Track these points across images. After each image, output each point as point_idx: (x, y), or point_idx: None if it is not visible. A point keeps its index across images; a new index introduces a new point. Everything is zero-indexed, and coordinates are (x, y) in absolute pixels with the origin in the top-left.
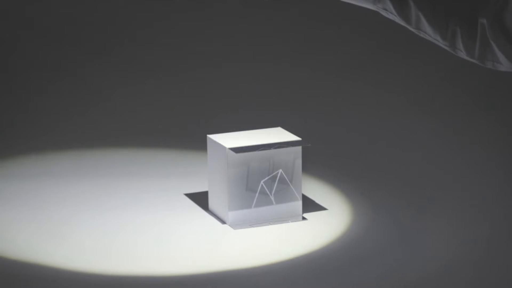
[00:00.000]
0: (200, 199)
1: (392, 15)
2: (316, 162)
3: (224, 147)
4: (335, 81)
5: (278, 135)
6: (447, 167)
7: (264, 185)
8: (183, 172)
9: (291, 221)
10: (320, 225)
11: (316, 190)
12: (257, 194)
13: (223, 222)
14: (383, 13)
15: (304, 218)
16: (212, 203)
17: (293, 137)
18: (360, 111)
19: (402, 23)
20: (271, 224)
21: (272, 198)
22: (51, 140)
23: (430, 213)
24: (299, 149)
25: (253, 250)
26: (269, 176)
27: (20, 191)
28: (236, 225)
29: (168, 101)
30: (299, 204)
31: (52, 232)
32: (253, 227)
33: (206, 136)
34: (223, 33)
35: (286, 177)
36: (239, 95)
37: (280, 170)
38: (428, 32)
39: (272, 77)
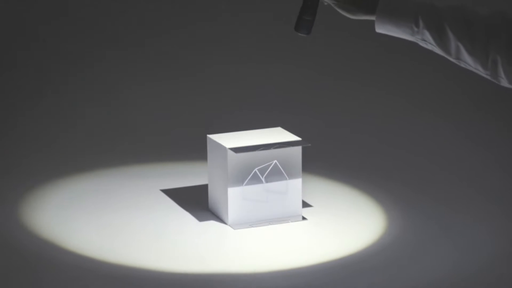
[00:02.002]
0: (200, 199)
1: (431, 46)
2: (316, 162)
3: (224, 147)
4: (336, 82)
5: (278, 135)
6: (451, 167)
7: (257, 171)
8: (183, 172)
9: (291, 221)
10: (320, 225)
11: (316, 190)
12: (249, 176)
13: (223, 222)
14: (422, 43)
15: (304, 218)
16: (212, 203)
17: (293, 137)
18: (361, 112)
19: (442, 53)
20: (271, 224)
21: (263, 178)
22: (51, 140)
23: (438, 209)
24: (299, 149)
25: (254, 251)
26: (264, 165)
27: (23, 192)
28: (236, 225)
29: (168, 101)
30: (289, 183)
31: (56, 231)
32: (253, 227)
33: (206, 136)
34: (223, 33)
35: (280, 167)
36: (239, 95)
37: (275, 161)
38: (469, 62)
39: (272, 77)
